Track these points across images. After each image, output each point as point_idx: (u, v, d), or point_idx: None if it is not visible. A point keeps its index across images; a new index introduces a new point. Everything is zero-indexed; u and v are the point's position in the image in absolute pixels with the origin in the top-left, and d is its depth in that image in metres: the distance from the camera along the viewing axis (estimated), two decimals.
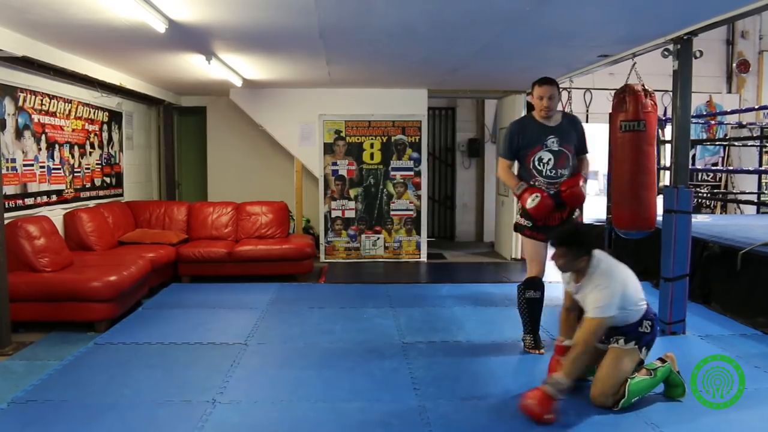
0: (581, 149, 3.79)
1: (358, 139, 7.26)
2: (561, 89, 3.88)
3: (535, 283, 3.80)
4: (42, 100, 4.96)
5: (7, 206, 4.31)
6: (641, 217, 4.43)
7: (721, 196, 8.59)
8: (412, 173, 7.30)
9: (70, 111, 5.45)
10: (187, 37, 4.32)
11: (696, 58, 4.17)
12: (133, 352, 3.81)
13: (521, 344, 3.89)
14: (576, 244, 3.09)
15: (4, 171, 4.28)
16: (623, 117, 4.41)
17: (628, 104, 4.37)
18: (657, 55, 4.48)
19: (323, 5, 3.61)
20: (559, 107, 3.91)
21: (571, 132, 3.74)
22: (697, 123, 8.31)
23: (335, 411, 2.96)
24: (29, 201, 4.80)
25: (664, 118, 7.19)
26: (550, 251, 3.46)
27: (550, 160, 3.67)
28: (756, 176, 8.20)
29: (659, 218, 4.63)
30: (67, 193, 5.44)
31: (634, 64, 4.71)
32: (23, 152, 4.70)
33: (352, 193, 7.29)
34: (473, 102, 8.74)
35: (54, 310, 4.23)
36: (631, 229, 4.57)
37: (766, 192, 8.42)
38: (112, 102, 6.35)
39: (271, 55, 5.14)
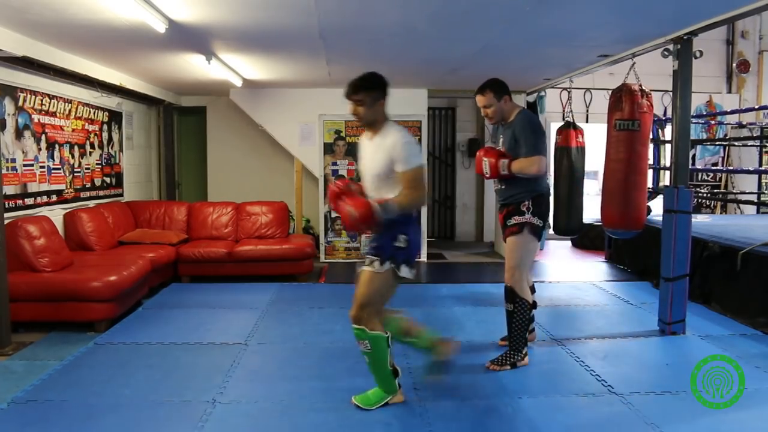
0: (524, 150, 3.37)
1: (358, 139, 7.25)
2: (500, 93, 3.48)
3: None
4: (42, 100, 4.96)
5: (7, 206, 4.31)
6: (630, 217, 4.43)
7: (721, 196, 8.59)
8: None
9: (70, 111, 5.45)
10: (187, 37, 4.32)
11: (696, 58, 4.17)
12: (133, 352, 3.81)
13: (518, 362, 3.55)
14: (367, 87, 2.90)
15: (4, 171, 4.28)
16: (619, 116, 4.41)
17: (624, 103, 4.37)
18: (657, 55, 4.48)
19: (323, 5, 3.61)
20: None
21: (511, 133, 3.45)
22: (697, 123, 8.31)
23: (335, 411, 2.96)
24: (29, 201, 4.80)
25: (664, 118, 7.19)
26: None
27: None
28: (756, 176, 8.20)
29: (654, 217, 4.63)
30: (67, 193, 5.44)
31: (633, 64, 4.71)
32: (23, 152, 4.70)
33: None
34: (473, 102, 8.71)
35: (54, 310, 4.23)
36: (620, 228, 4.57)
37: (766, 192, 8.42)
38: (112, 102, 6.35)
39: (271, 55, 5.14)
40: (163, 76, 6.23)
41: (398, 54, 5.17)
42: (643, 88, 4.42)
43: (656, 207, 6.44)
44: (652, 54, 4.67)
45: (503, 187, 3.53)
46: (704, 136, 8.76)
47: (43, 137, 5.00)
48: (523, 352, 3.54)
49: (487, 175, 3.50)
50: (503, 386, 3.27)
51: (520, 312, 3.46)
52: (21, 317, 4.16)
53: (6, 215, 4.15)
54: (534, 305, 3.67)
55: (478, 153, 3.56)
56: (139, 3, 3.36)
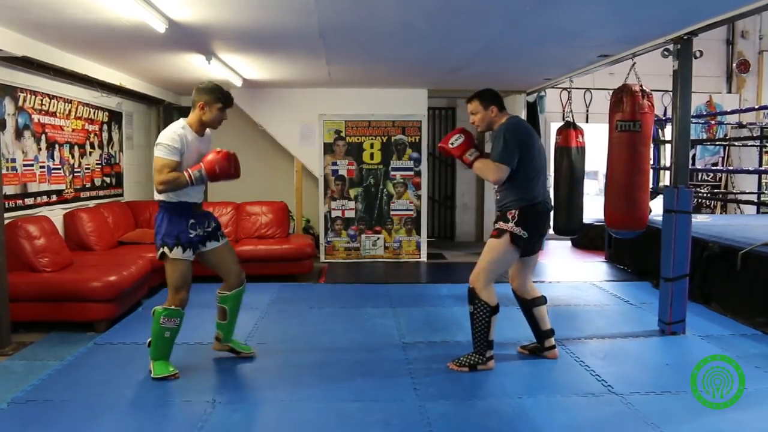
0: (492, 155, 3.40)
1: (358, 139, 7.26)
2: (487, 102, 3.47)
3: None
4: (42, 100, 4.96)
5: (7, 206, 4.31)
6: (634, 217, 4.43)
7: (721, 196, 8.59)
8: (412, 173, 7.30)
9: (70, 111, 5.45)
10: (187, 37, 4.32)
11: (696, 58, 4.17)
12: (133, 352, 3.81)
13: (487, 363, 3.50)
14: None
15: (4, 171, 4.28)
16: (620, 117, 4.42)
17: (625, 104, 4.37)
18: (657, 55, 4.48)
19: (323, 5, 3.61)
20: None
21: (493, 138, 3.47)
22: (697, 123, 8.32)
23: (335, 411, 2.96)
24: (29, 201, 4.80)
25: (664, 118, 7.19)
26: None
27: None
28: (756, 176, 8.21)
29: (654, 217, 4.63)
30: (67, 193, 5.44)
31: (634, 64, 4.71)
32: (23, 152, 4.70)
33: (352, 193, 7.29)
34: None
35: (54, 310, 4.23)
36: (623, 228, 4.57)
37: (766, 192, 8.43)
38: (112, 102, 6.35)
39: (271, 55, 5.14)
40: (163, 76, 6.22)
41: (398, 54, 5.17)
42: (644, 88, 4.42)
43: (656, 207, 6.43)
44: (652, 54, 4.67)
45: (498, 197, 3.55)
46: (704, 136, 8.77)
47: (43, 137, 5.00)
48: (487, 356, 3.46)
49: (452, 147, 3.48)
50: (503, 386, 3.27)
51: (480, 314, 3.41)
52: (21, 317, 4.16)
53: (6, 215, 4.15)
54: (534, 301, 3.65)
55: (456, 129, 3.56)
56: (139, 3, 3.36)
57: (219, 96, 3.31)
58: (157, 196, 3.32)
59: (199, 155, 3.32)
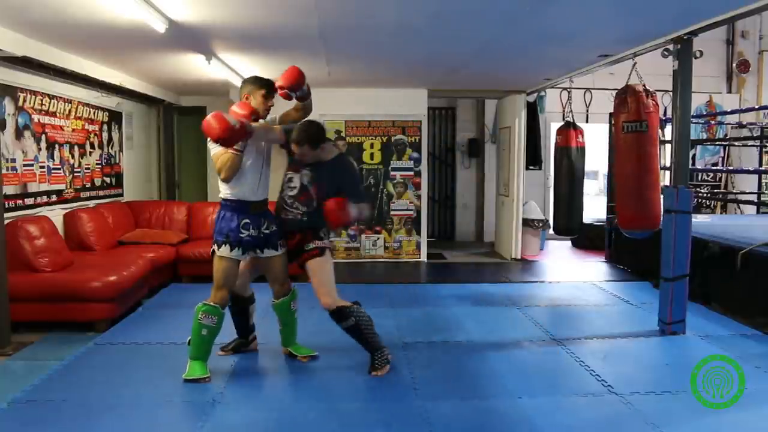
0: (353, 197, 3.45)
1: (358, 139, 7.26)
2: (315, 144, 3.37)
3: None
4: (42, 100, 4.96)
5: (7, 206, 4.30)
6: (646, 217, 4.44)
7: (721, 196, 8.59)
8: (412, 173, 7.29)
9: (70, 111, 5.45)
10: (187, 37, 4.32)
11: (696, 58, 4.17)
12: (133, 352, 3.81)
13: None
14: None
15: (4, 171, 4.28)
16: (625, 118, 4.41)
17: (630, 105, 4.37)
18: (657, 55, 4.48)
19: (323, 5, 3.61)
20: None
21: (330, 172, 3.47)
22: (697, 123, 8.31)
23: (335, 411, 2.96)
24: (29, 201, 4.80)
25: (664, 118, 7.19)
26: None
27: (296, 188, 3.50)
28: (756, 176, 8.20)
29: None
30: (67, 193, 5.43)
31: (635, 64, 4.71)
32: (23, 152, 4.70)
33: None
34: (473, 102, 8.74)
35: (54, 310, 4.23)
36: (637, 228, 4.57)
37: (766, 192, 8.42)
38: (112, 102, 6.35)
39: (271, 55, 5.14)
40: (163, 76, 6.22)
41: (398, 54, 5.17)
42: (648, 87, 4.42)
43: None
44: (652, 54, 4.66)
45: (305, 218, 3.48)
46: (704, 136, 8.76)
47: (43, 137, 4.99)
48: (384, 347, 3.50)
49: (352, 217, 3.50)
50: (503, 386, 3.27)
51: (360, 319, 3.43)
52: (21, 317, 4.16)
53: (6, 215, 4.15)
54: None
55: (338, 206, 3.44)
56: (139, 3, 3.36)
57: (262, 83, 3.36)
58: (219, 194, 3.38)
59: (257, 138, 3.31)
